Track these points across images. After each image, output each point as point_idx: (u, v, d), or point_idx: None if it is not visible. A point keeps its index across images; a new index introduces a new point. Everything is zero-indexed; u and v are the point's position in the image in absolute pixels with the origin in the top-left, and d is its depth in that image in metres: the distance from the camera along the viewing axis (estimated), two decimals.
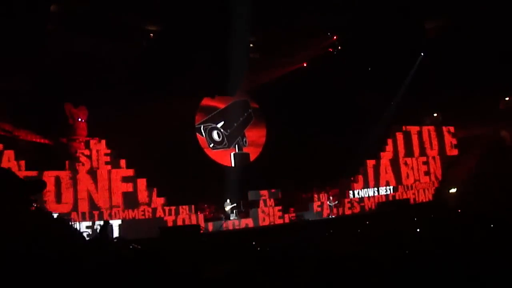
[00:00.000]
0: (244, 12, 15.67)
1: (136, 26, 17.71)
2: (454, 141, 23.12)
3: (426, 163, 22.16)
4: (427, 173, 22.09)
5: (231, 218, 17.68)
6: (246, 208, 18.29)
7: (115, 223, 15.72)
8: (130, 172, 16.67)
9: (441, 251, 5.19)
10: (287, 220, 18.15)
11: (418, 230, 9.19)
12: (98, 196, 16.03)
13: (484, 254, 4.75)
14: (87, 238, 13.61)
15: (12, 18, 14.05)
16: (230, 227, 17.11)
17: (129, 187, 16.53)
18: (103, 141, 16.61)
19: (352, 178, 20.48)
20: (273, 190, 18.33)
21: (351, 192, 19.95)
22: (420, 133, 22.30)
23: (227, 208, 17.86)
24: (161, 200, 16.77)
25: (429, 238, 7.67)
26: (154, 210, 16.56)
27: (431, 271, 4.32)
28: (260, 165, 21.23)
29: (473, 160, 20.39)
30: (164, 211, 16.66)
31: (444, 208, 16.45)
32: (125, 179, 16.54)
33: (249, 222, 17.71)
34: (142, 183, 16.70)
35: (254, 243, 10.46)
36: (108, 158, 16.45)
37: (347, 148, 20.04)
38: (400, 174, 21.33)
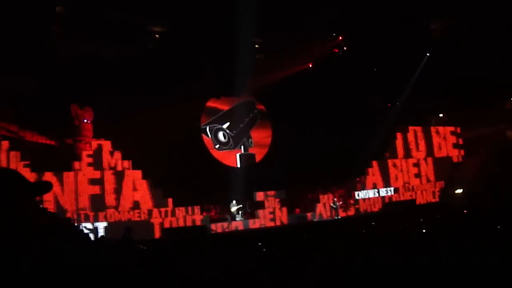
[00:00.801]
0: (250, 12, 15.67)
1: (141, 28, 17.78)
2: (460, 141, 23.01)
3: (416, 164, 21.87)
4: (418, 175, 21.75)
5: (236, 219, 17.65)
6: (252, 209, 18.24)
7: (101, 225, 15.34)
8: (97, 175, 16.01)
9: (447, 252, 5.17)
10: (278, 223, 17.75)
11: (424, 231, 9.15)
12: (64, 198, 15.32)
13: (491, 254, 4.72)
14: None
15: (18, 19, 14.13)
16: (219, 230, 16.82)
17: (96, 190, 15.86)
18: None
19: (357, 179, 20.43)
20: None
21: (356, 193, 19.88)
22: (405, 134, 21.96)
23: (233, 209, 17.85)
24: (130, 204, 16.12)
25: (435, 239, 7.63)
26: (150, 212, 16.28)
27: (437, 272, 4.30)
28: (266, 165, 21.23)
29: (479, 160, 20.31)
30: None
31: (450, 209, 16.36)
32: (92, 181, 15.85)
33: (239, 224, 17.38)
34: (110, 185, 16.07)
35: (260, 244, 10.45)
36: (91, 160, 15.98)
37: (353, 148, 20.00)
38: (389, 176, 21.03)
